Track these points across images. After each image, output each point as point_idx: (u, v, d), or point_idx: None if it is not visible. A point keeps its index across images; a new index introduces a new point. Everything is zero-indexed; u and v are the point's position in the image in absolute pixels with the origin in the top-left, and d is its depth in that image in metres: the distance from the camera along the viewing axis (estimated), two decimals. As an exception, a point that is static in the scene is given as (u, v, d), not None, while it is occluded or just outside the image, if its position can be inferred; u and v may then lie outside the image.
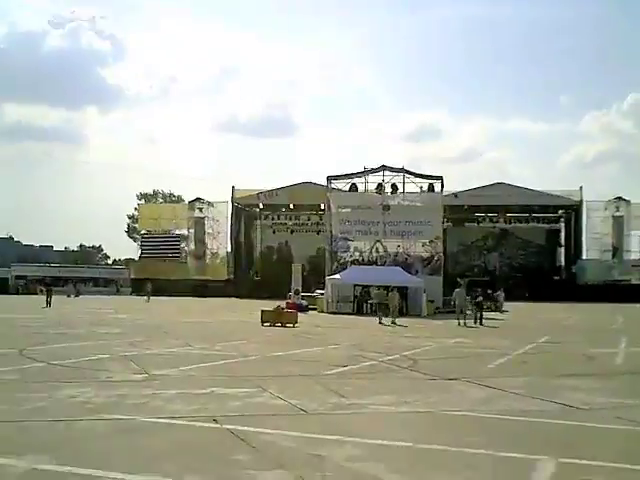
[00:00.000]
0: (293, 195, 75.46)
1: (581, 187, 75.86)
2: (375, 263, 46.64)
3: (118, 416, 8.82)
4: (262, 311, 29.10)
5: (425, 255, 46.95)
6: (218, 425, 8.37)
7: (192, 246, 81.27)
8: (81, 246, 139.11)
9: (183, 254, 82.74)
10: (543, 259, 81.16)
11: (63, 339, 20.01)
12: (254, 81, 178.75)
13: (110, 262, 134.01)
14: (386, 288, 34.20)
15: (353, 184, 47.58)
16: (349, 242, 48.01)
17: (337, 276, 42.99)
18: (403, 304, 41.43)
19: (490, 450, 7.28)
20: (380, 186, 46.91)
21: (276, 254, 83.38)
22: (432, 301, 41.28)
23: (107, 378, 12.36)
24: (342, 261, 47.00)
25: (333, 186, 47.73)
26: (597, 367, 15.68)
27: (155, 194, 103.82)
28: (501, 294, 44.17)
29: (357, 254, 47.96)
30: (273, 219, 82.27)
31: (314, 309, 41.61)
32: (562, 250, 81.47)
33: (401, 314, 40.09)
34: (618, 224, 75.67)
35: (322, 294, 44.33)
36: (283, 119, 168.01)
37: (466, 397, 11.15)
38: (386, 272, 43.33)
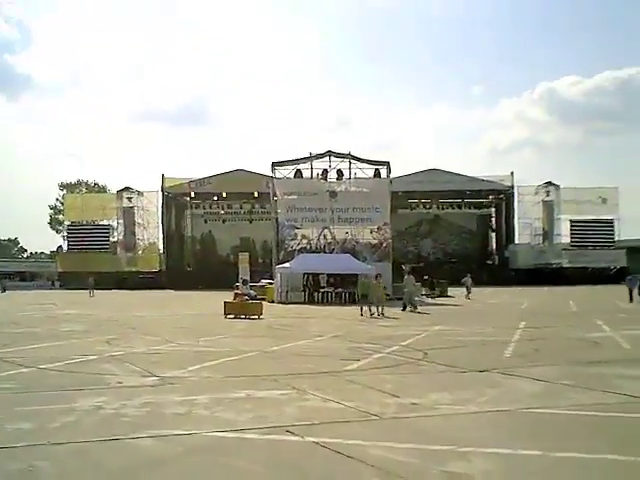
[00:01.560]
0: (224, 183, 73.59)
1: (512, 172, 77.02)
2: (323, 250, 45.61)
3: (173, 431, 7.54)
4: (225, 303, 27.81)
5: (373, 242, 46.22)
6: (299, 438, 7.21)
7: (122, 237, 78.32)
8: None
9: (112, 245, 79.60)
10: (475, 244, 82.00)
11: (29, 339, 18.24)
12: (170, 69, 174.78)
13: (26, 255, 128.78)
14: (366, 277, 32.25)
15: (298, 170, 46.29)
16: (296, 230, 46.76)
17: (287, 265, 41.79)
18: (354, 292, 40.80)
19: (633, 456, 6.39)
20: (325, 172, 45.82)
21: (199, 245, 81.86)
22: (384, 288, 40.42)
23: (117, 383, 10.96)
24: (289, 249, 45.77)
25: (278, 173, 46.32)
26: (614, 353, 15.04)
27: (79, 184, 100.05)
28: (468, 279, 43.49)
29: (305, 242, 46.76)
30: (204, 208, 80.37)
31: (262, 299, 40.27)
32: (493, 235, 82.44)
33: (354, 302, 39.41)
34: (548, 209, 76.85)
35: (270, 283, 43.10)
36: (202, 108, 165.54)
37: (521, 391, 10.30)
38: (336, 260, 42.51)
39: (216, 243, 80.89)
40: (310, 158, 45.72)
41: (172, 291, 61.08)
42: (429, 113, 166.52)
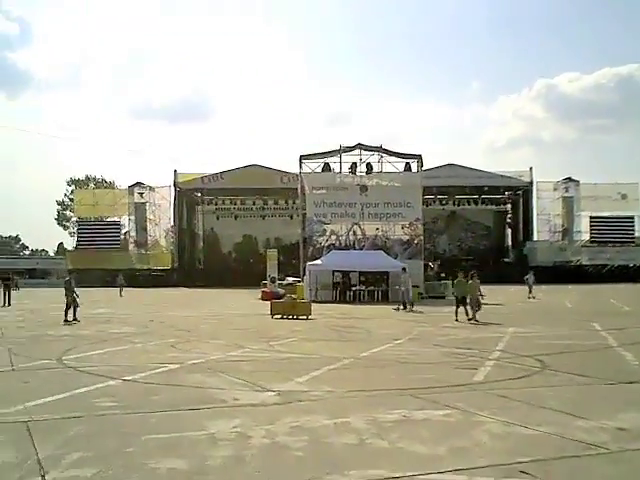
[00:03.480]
0: (238, 179, 71.67)
1: (531, 168, 75.47)
2: (353, 247, 44.00)
3: (374, 471, 5.90)
4: (272, 303, 26.33)
5: (405, 238, 44.53)
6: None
7: (133, 233, 76.46)
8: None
9: (123, 242, 77.64)
10: (491, 241, 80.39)
11: (86, 344, 16.50)
12: (167, 67, 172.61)
13: (28, 253, 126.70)
14: (465, 276, 25.64)
15: (326, 164, 44.66)
16: (325, 225, 45.02)
17: (318, 262, 40.13)
18: (387, 290, 39.12)
19: None
20: (355, 166, 44.18)
21: (203, 242, 79.96)
22: (417, 286, 38.74)
23: (234, 400, 9.31)
24: (318, 246, 44.11)
25: (305, 167, 44.64)
26: None
27: (88, 179, 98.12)
28: (531, 277, 41.49)
29: (333, 238, 45.02)
30: (216, 204, 78.18)
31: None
32: (509, 232, 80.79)
33: (386, 300, 37.76)
34: (568, 205, 75.36)
35: (298, 281, 41.47)
36: (202, 104, 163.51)
37: None
38: (368, 256, 40.89)
39: (220, 240, 79.09)
40: (339, 151, 44.09)
41: (185, 289, 59.53)
42: (426, 110, 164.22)
